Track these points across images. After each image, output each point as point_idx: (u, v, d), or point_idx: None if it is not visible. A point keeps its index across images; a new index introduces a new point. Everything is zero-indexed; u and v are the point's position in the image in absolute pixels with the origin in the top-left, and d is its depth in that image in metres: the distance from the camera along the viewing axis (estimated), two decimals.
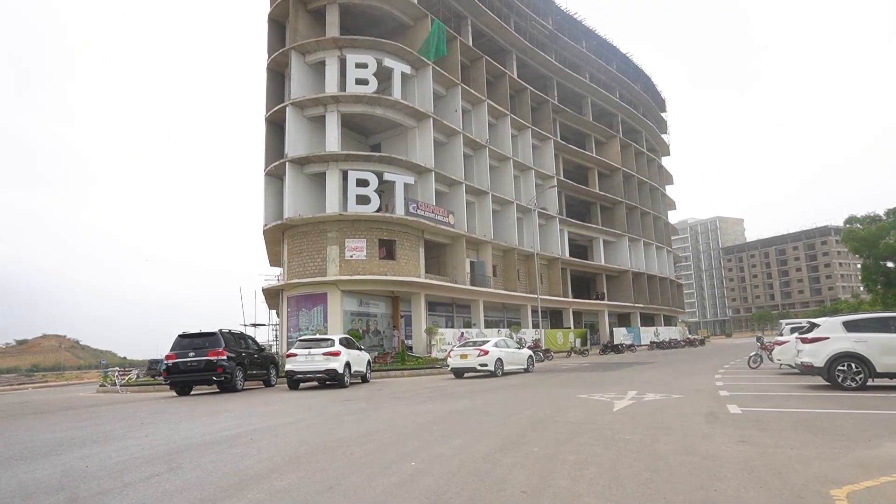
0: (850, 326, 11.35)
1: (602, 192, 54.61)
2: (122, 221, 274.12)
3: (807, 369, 11.81)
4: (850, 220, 51.86)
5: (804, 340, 11.86)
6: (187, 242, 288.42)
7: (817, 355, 11.36)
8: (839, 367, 11.07)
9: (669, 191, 73.62)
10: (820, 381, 12.38)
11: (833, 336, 11.34)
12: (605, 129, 57.02)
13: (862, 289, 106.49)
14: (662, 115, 73.10)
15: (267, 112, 34.25)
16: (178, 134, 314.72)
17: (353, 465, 5.67)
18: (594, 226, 53.43)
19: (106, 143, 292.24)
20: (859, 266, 54.77)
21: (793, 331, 17.16)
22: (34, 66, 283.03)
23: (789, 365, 16.20)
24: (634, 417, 8.38)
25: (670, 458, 5.45)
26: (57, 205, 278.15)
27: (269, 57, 34.89)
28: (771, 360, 18.54)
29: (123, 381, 25.21)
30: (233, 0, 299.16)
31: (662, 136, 72.65)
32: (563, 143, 50.99)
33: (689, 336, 59.41)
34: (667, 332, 54.52)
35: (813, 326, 12.14)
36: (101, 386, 25.91)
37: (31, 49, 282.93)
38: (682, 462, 5.30)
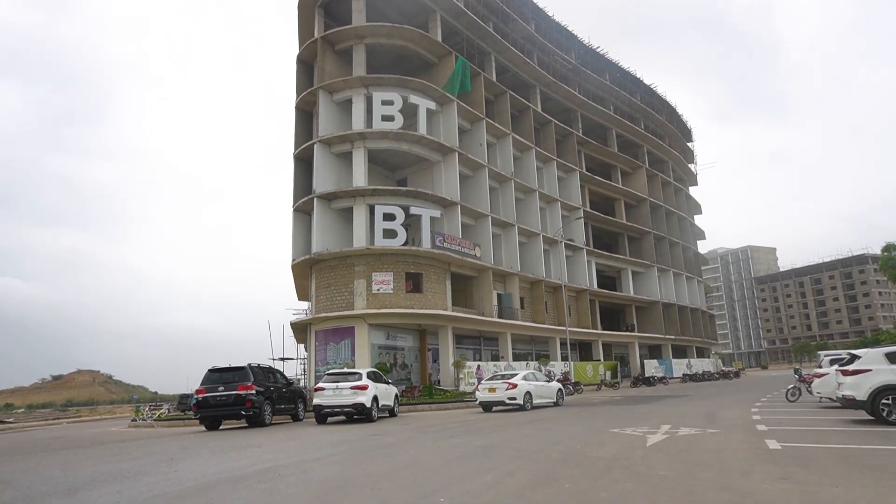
0: (894, 358, 10.93)
1: (629, 223, 54.22)
2: (153, 259, 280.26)
3: (849, 403, 11.36)
4: (889, 247, 50.59)
5: (845, 373, 11.45)
6: (217, 278, 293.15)
7: (859, 388, 10.94)
8: (883, 401, 10.62)
9: (698, 220, 72.82)
10: (863, 415, 11.89)
11: (875, 368, 10.92)
12: (630, 160, 56.91)
13: None
14: (689, 144, 72.77)
15: (295, 149, 35.05)
16: (209, 172, 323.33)
17: (382, 501, 5.60)
18: (622, 256, 52.92)
19: (137, 183, 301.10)
20: None
21: (832, 362, 16.57)
22: (67, 107, 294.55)
23: (829, 398, 15.61)
24: (669, 453, 8.14)
25: (707, 496, 5.26)
26: (89, 243, 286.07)
27: (297, 96, 35.85)
28: (810, 392, 17.91)
29: (155, 417, 25.47)
30: (260, 44, 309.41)
31: (689, 165, 72.19)
32: (589, 174, 50.97)
33: (723, 368, 57.81)
34: (700, 364, 53.19)
35: (853, 358, 11.73)
36: (132, 421, 26.18)
37: (64, 90, 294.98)
38: (720, 500, 5.11)
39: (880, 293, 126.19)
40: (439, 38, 36.40)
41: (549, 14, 48.34)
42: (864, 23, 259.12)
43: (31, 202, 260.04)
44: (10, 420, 42.52)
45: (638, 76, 59.96)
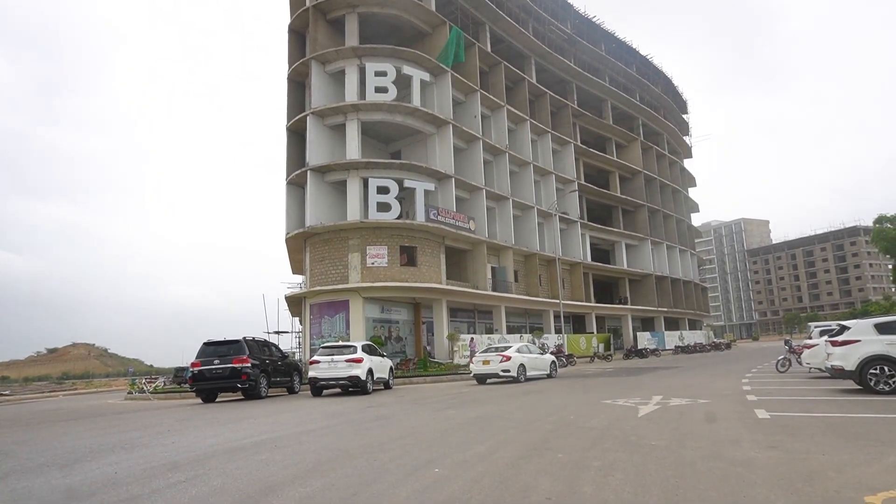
0: (883, 328, 11.07)
1: (623, 196, 54.17)
2: (146, 231, 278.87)
3: (837, 373, 11.53)
4: (880, 219, 50.80)
5: (834, 343, 11.59)
6: (211, 252, 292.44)
7: (848, 358, 11.09)
8: (871, 371, 10.79)
9: (692, 193, 72.84)
10: (851, 385, 12.09)
11: (864, 338, 11.07)
12: (625, 133, 56.61)
13: (893, 290, 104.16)
14: (684, 116, 72.40)
15: (288, 121, 34.66)
16: (201, 145, 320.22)
17: (377, 471, 5.67)
18: (616, 229, 53.00)
19: (129, 154, 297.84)
20: (890, 266, 53.45)
21: (822, 333, 16.80)
22: (60, 78, 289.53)
23: (819, 369, 15.84)
24: (660, 423, 8.27)
25: (697, 464, 5.36)
26: (83, 216, 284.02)
27: (289, 67, 35.31)
28: (800, 363, 18.16)
29: (151, 389, 25.63)
30: (252, 14, 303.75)
31: (684, 137, 71.90)
32: (584, 146, 50.71)
33: (715, 340, 58.51)
34: (692, 336, 53.78)
35: (843, 329, 11.87)
36: (128, 393, 26.34)
37: (56, 61, 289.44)
38: (710, 468, 5.21)
39: (871, 265, 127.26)
40: (433, 8, 35.79)
41: None
42: None
43: (20, 173, 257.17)
44: (7, 393, 42.69)
45: (634, 47, 59.31)
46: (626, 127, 58.06)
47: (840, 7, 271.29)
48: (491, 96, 39.86)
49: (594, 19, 53.70)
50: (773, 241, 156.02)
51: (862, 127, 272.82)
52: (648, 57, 62.24)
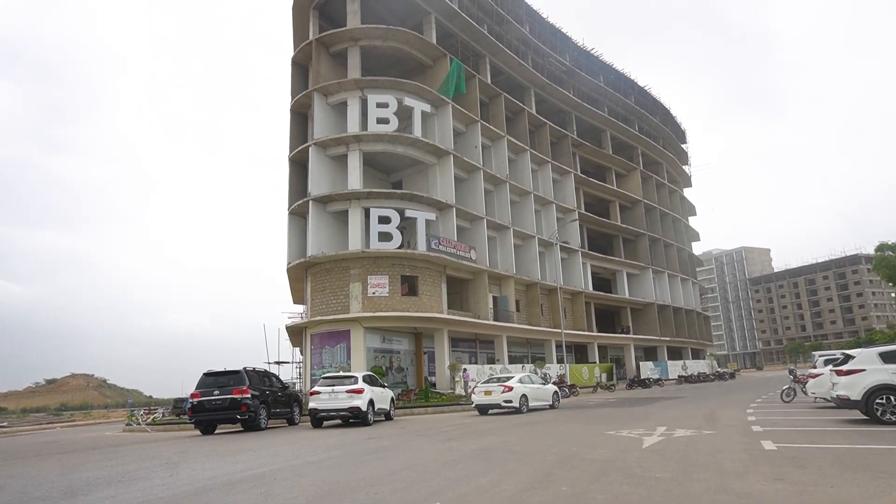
0: (888, 357, 10.98)
1: (624, 225, 54.34)
2: (146, 261, 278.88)
3: (843, 403, 11.41)
4: (882, 247, 50.70)
5: (839, 373, 11.49)
6: (212, 281, 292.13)
7: (853, 388, 10.98)
8: (878, 401, 10.67)
9: (692, 222, 73.05)
10: (857, 414, 11.95)
11: (869, 368, 10.98)
12: (625, 162, 57.06)
13: None
14: (683, 146, 72.99)
15: (290, 152, 35.01)
16: (203, 175, 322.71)
17: None
18: (617, 258, 53.03)
19: (129, 184, 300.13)
20: (893, 294, 53.29)
21: (826, 363, 16.65)
22: (61, 105, 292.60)
23: (824, 398, 15.68)
24: (665, 454, 8.15)
25: (703, 497, 5.28)
26: (82, 244, 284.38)
27: (292, 99, 35.83)
28: (805, 393, 17.98)
29: (150, 421, 25.36)
30: (256, 47, 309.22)
31: (683, 167, 72.41)
32: (584, 176, 51.09)
33: (719, 369, 57.96)
34: (695, 366, 53.31)
35: (847, 358, 11.78)
36: (127, 425, 26.05)
37: (55, 87, 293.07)
38: (716, 501, 5.12)
39: (873, 293, 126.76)
40: (434, 41, 36.44)
41: (544, 16, 48.51)
42: (861, 15, 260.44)
43: (20, 202, 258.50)
44: (4, 424, 42.24)
45: (632, 78, 60.18)
46: (626, 156, 58.53)
47: (837, 32, 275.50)
48: (491, 127, 40.30)
49: (592, 51, 54.62)
50: (775, 270, 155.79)
51: (863, 153, 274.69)
52: (646, 87, 63.11)
